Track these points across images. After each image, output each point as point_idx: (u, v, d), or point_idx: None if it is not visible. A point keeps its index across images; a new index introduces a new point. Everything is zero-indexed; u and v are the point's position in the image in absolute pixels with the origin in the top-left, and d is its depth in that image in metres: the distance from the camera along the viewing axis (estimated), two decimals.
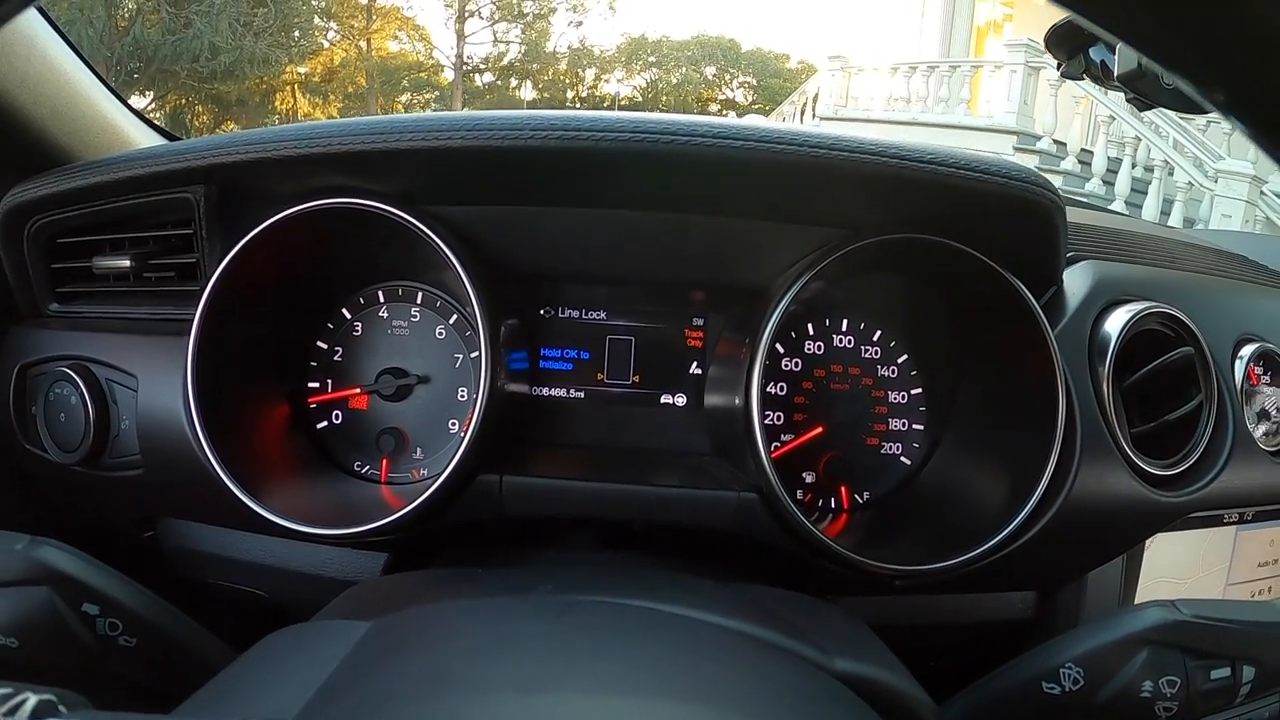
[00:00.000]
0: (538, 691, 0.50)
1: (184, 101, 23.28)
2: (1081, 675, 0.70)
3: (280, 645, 0.65)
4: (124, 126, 1.33)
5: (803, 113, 17.80)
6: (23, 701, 0.42)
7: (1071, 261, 1.18)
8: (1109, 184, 10.05)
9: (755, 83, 36.07)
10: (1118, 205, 9.31)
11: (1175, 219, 8.93)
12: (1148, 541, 1.14)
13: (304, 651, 0.62)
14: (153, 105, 21.85)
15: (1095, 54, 1.08)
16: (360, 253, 1.15)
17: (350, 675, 0.55)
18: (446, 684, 0.51)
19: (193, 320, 0.99)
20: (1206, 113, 0.96)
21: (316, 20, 28.06)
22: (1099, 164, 10.29)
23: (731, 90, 36.54)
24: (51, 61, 1.17)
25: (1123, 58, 0.98)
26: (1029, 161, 10.50)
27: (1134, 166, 10.03)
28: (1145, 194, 9.67)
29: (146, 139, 1.37)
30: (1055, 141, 11.14)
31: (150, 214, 1.12)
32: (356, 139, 0.94)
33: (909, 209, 1.01)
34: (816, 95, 16.98)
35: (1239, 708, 1.17)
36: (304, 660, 0.59)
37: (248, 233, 1.00)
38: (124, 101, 1.37)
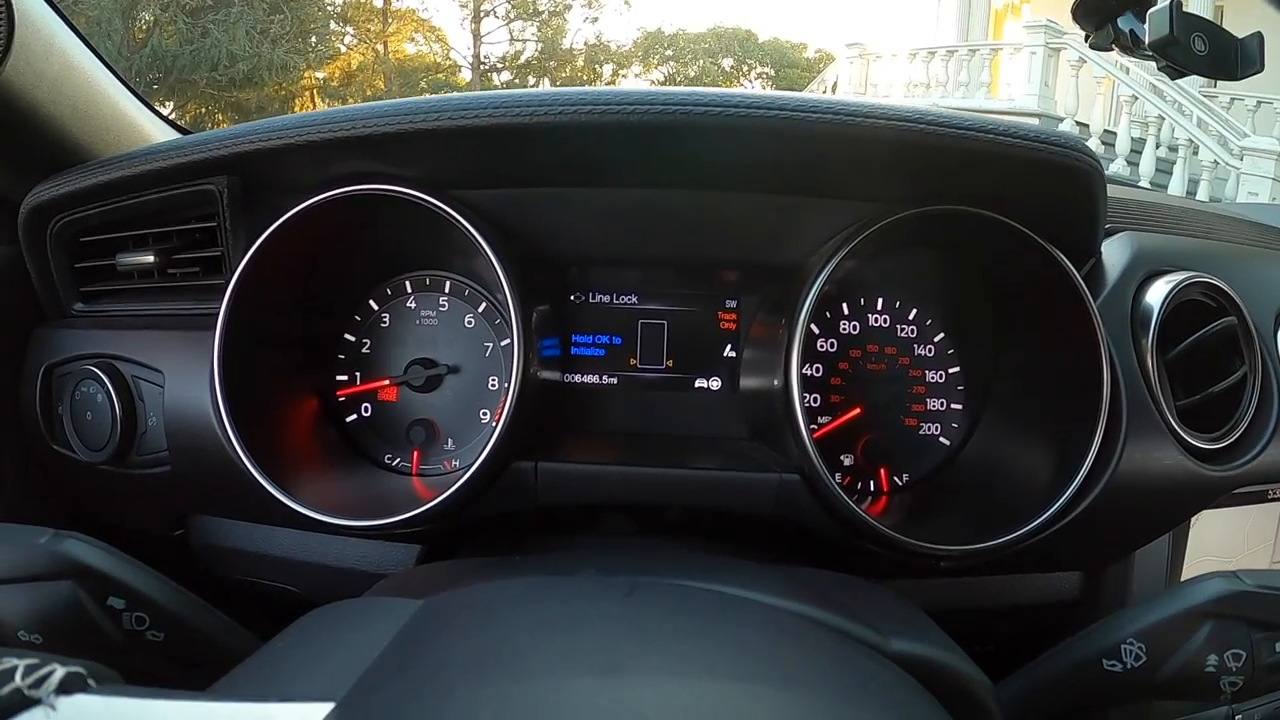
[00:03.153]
0: (617, 673, 0.48)
1: (204, 110, 23.42)
2: (1143, 651, 0.67)
3: (325, 621, 0.64)
4: (143, 124, 1.32)
5: None
6: (50, 673, 0.40)
7: (1110, 233, 1.15)
8: (1133, 164, 9.95)
9: (773, 73, 35.96)
10: (1142, 184, 9.23)
11: (1201, 198, 8.82)
12: (1193, 519, 1.11)
13: (350, 628, 0.61)
14: (173, 115, 21.86)
15: (1124, 23, 1.05)
16: (386, 242, 1.14)
17: (406, 652, 0.53)
18: (517, 662, 0.49)
19: (218, 314, 0.98)
20: (1239, 79, 0.93)
21: (333, 25, 28.18)
22: (1122, 144, 10.19)
23: (749, 81, 36.46)
24: (70, 60, 1.16)
25: (1153, 25, 0.96)
26: None
27: (1158, 146, 9.92)
28: (1170, 174, 9.57)
29: (165, 135, 1.37)
30: (1077, 123, 11.03)
31: (173, 208, 1.11)
32: (381, 121, 0.93)
33: (944, 181, 0.98)
34: (835, 84, 16.91)
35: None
36: (351, 637, 0.57)
37: (272, 224, 0.99)
38: (142, 99, 1.36)
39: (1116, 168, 10.08)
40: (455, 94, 0.96)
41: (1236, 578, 0.68)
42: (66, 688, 0.40)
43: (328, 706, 0.43)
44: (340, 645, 0.57)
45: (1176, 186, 9.35)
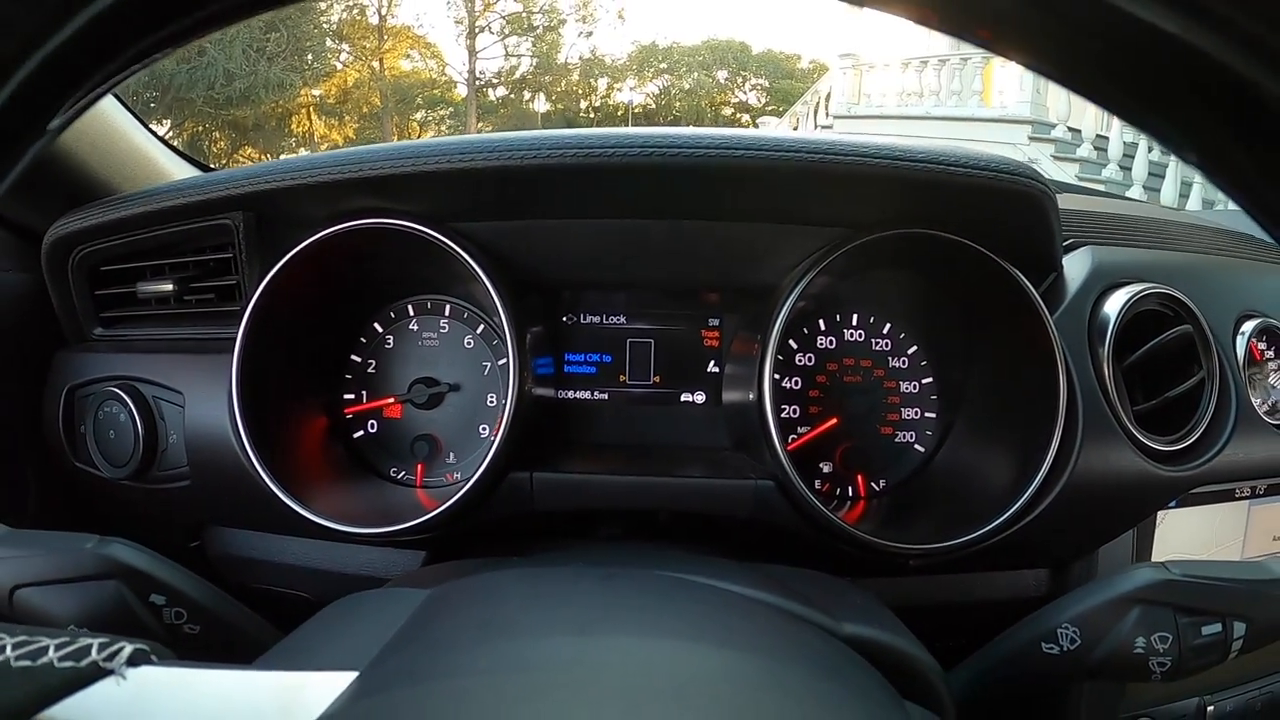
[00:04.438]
0: (587, 633, 0.55)
1: (201, 128, 23.43)
2: (1078, 635, 0.73)
3: (348, 608, 0.70)
4: (158, 159, 1.39)
5: (816, 112, 17.76)
6: (120, 649, 0.47)
7: (1072, 248, 1.21)
8: (1126, 169, 9.97)
9: (767, 84, 35.98)
10: (1135, 190, 9.25)
11: (1194, 201, 8.85)
12: (1160, 518, 1.16)
13: (371, 614, 0.67)
14: (170, 133, 22.01)
15: None
16: (390, 269, 1.20)
17: (418, 628, 0.60)
18: (508, 629, 0.57)
19: (235, 338, 1.05)
20: None
21: (329, 43, 28.21)
22: (1115, 149, 10.22)
23: (744, 93, 36.48)
24: None
25: None
26: (1044, 150, 10.43)
27: (1150, 150, 9.94)
28: (1162, 178, 9.60)
29: (180, 170, 1.43)
30: (1070, 129, 11.07)
31: (190, 240, 1.18)
32: (388, 164, 1.00)
33: (908, 206, 1.04)
34: (829, 94, 16.93)
35: (1251, 683, 1.20)
36: (372, 620, 0.64)
37: (285, 255, 1.06)
38: (156, 135, 1.42)
39: (1110, 173, 10.11)
40: (454, 138, 1.02)
41: (1164, 567, 0.74)
42: (134, 661, 0.47)
43: (353, 674, 0.50)
44: (361, 627, 0.63)
45: (1169, 190, 9.38)
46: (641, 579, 0.69)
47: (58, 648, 0.46)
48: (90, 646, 0.47)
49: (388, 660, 0.54)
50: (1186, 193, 9.22)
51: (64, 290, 1.23)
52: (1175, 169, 9.46)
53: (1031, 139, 11.11)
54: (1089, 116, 10.78)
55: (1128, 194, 8.18)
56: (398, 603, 0.66)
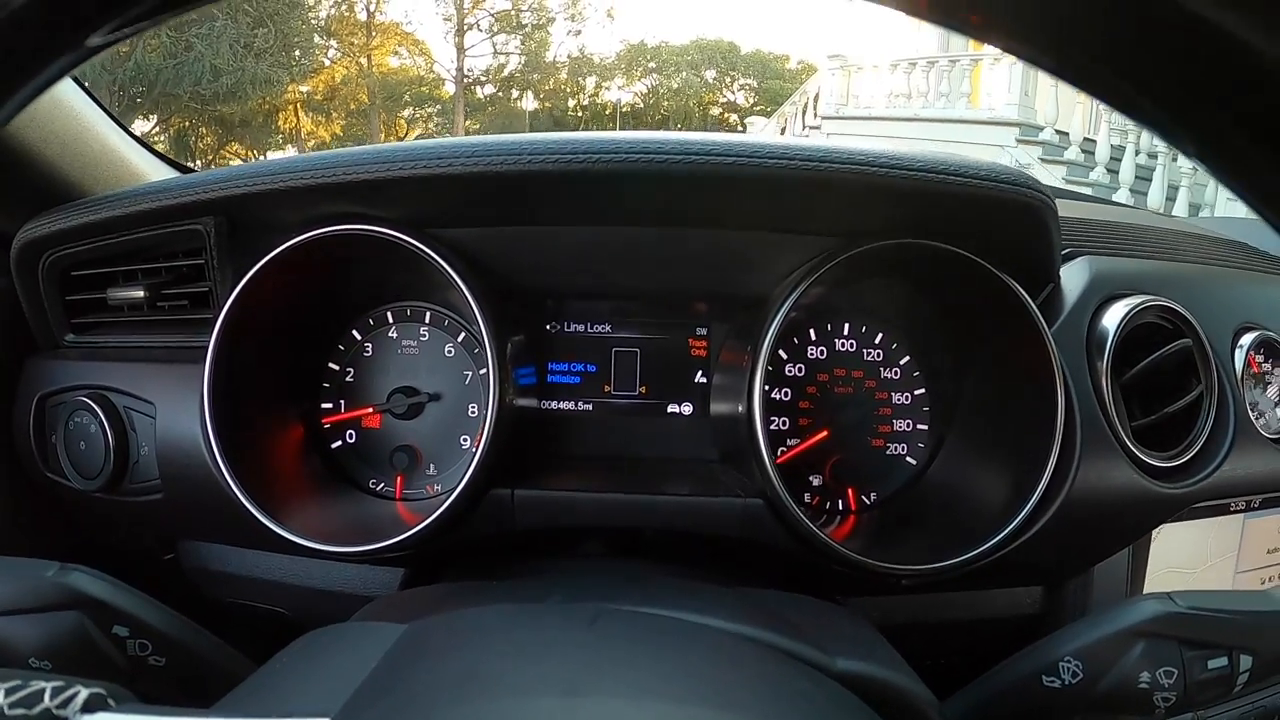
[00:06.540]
0: (576, 694, 0.52)
1: (187, 124, 23.38)
2: (1080, 668, 0.71)
3: (317, 644, 0.67)
4: (132, 159, 1.35)
5: (804, 113, 17.78)
6: (75, 694, 0.44)
7: (1069, 258, 1.19)
8: (1113, 172, 9.99)
9: (756, 85, 36.10)
10: (1122, 193, 9.27)
11: (1180, 205, 8.88)
12: (1154, 533, 1.14)
13: (341, 651, 0.64)
14: (156, 129, 21.97)
15: None
16: (368, 276, 1.17)
17: (391, 673, 0.57)
18: (490, 685, 0.53)
19: (208, 347, 1.01)
20: None
21: (316, 39, 28.15)
22: (1102, 153, 10.24)
23: (732, 93, 36.59)
24: (58, 98, 1.19)
25: None
26: (1032, 153, 10.46)
27: (1137, 154, 9.97)
28: (1149, 181, 9.63)
29: (155, 171, 1.40)
30: (1058, 132, 11.09)
31: (162, 245, 1.14)
32: (363, 168, 0.96)
33: (903, 215, 1.02)
34: (817, 95, 16.96)
35: (1243, 698, 1.19)
36: (342, 659, 0.61)
37: (258, 261, 1.02)
38: (131, 134, 1.39)
39: (1097, 176, 10.12)
40: (433, 141, 0.99)
41: (1170, 599, 0.72)
42: (90, 707, 0.44)
43: None
44: (332, 666, 0.60)
45: (1156, 194, 9.40)
46: (629, 622, 0.66)
47: (7, 693, 0.43)
48: (43, 692, 0.44)
49: (360, 711, 0.51)
50: (1173, 196, 9.24)
51: (34, 295, 1.20)
52: (1162, 173, 9.48)
53: (1019, 141, 11.14)
54: (1077, 119, 10.82)
55: (1114, 197, 8.21)
56: (370, 639, 0.63)
